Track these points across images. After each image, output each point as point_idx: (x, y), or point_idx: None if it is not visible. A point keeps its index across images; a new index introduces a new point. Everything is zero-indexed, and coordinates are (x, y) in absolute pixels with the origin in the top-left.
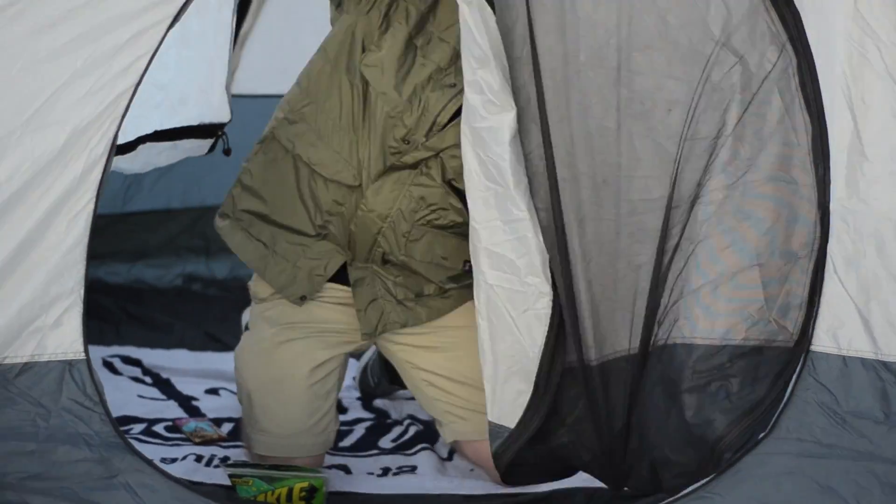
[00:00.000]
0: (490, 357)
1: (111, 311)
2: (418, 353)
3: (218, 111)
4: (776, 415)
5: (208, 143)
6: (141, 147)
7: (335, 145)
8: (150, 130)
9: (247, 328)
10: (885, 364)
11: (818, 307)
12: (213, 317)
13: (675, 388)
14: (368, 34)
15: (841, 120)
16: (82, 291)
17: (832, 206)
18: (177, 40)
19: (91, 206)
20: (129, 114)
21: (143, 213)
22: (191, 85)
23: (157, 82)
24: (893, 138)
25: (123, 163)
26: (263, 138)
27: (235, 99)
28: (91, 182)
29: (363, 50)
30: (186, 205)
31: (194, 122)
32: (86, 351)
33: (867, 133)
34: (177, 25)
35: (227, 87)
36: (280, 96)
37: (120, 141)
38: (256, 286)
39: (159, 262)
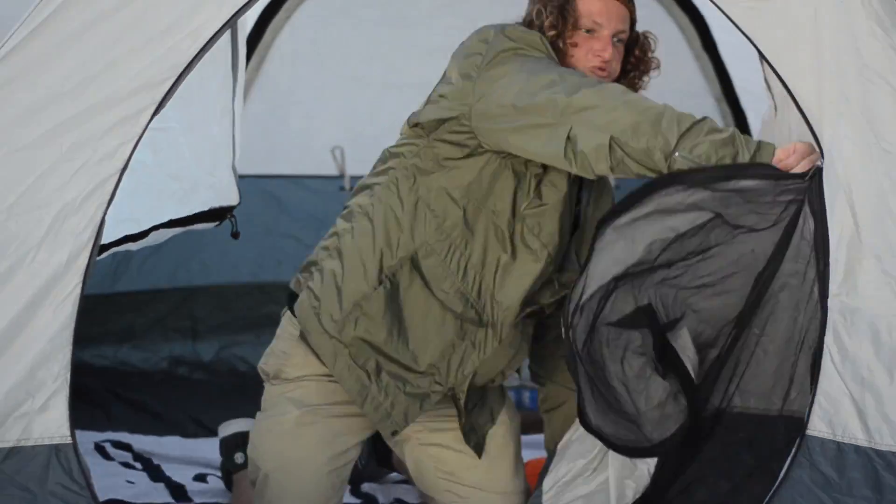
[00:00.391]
0: None
1: (100, 393)
2: (447, 454)
3: (226, 194)
4: (771, 493)
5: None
6: (153, 232)
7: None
8: (164, 219)
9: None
10: (877, 452)
11: (815, 394)
12: (198, 401)
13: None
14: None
15: (842, 217)
16: (68, 376)
17: (830, 302)
18: (185, 128)
19: (77, 292)
20: (145, 205)
21: (131, 294)
22: (200, 170)
23: (171, 172)
24: (890, 237)
25: (132, 245)
26: (389, 269)
27: None
28: (77, 267)
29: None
30: (174, 284)
31: (205, 208)
32: (72, 435)
33: (865, 231)
34: (182, 111)
35: (234, 169)
36: (270, 177)
37: (134, 230)
38: (282, 366)
39: (146, 344)
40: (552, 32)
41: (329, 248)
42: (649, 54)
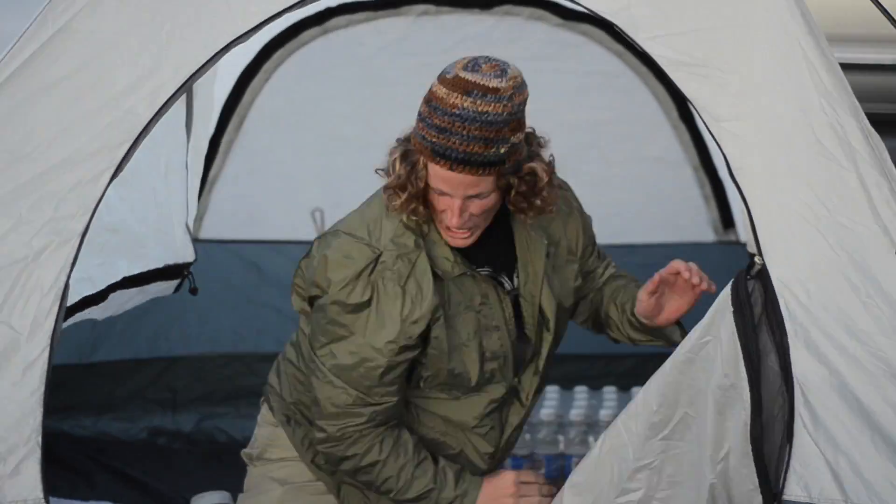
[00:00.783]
0: None
1: (81, 461)
2: None
3: (181, 252)
4: None
5: (175, 283)
6: (112, 295)
7: None
8: (118, 278)
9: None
10: None
11: (789, 459)
12: (178, 472)
13: None
14: None
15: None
16: (40, 439)
17: (795, 371)
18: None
19: (45, 356)
20: (92, 263)
21: (110, 363)
22: (144, 226)
23: (106, 225)
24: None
25: (96, 312)
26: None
27: (204, 244)
28: (44, 331)
29: None
30: (154, 355)
31: (159, 265)
32: (45, 499)
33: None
34: None
35: (188, 228)
36: (250, 242)
37: (89, 291)
38: (265, 448)
39: (125, 414)
40: (407, 192)
41: (293, 338)
42: (539, 185)
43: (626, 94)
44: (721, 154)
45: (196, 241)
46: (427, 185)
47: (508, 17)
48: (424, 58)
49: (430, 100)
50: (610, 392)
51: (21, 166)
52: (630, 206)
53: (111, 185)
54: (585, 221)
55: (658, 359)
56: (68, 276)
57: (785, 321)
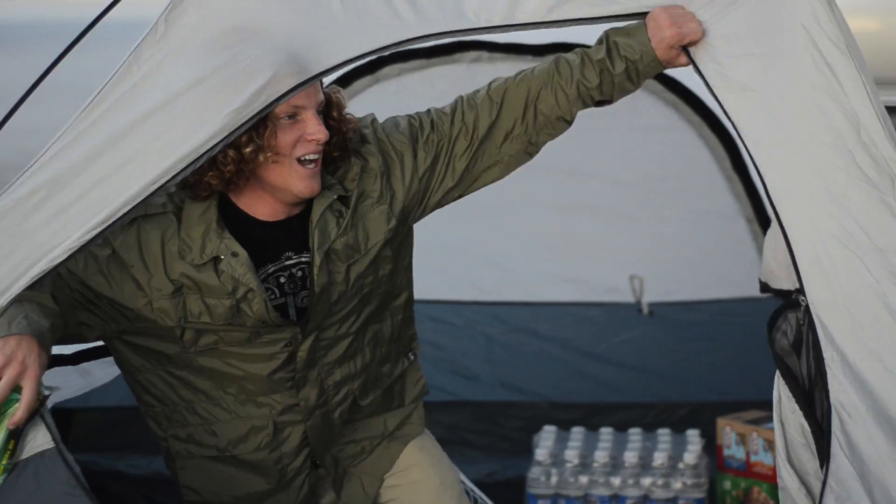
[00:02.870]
0: None
1: (136, 500)
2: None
3: None
4: None
5: None
6: None
7: None
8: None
9: None
10: None
11: (826, 477)
12: None
13: None
14: None
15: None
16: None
17: (832, 397)
18: None
19: None
20: None
21: None
22: None
23: None
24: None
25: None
26: None
27: None
28: None
29: None
30: None
31: None
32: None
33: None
34: None
35: None
36: None
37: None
38: None
39: None
40: (256, 142)
41: None
42: (344, 113)
43: (680, 148)
44: (761, 180)
45: None
46: (273, 128)
47: None
48: None
49: None
50: (664, 434)
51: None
52: (684, 263)
53: None
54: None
55: (715, 407)
56: None
57: (822, 346)
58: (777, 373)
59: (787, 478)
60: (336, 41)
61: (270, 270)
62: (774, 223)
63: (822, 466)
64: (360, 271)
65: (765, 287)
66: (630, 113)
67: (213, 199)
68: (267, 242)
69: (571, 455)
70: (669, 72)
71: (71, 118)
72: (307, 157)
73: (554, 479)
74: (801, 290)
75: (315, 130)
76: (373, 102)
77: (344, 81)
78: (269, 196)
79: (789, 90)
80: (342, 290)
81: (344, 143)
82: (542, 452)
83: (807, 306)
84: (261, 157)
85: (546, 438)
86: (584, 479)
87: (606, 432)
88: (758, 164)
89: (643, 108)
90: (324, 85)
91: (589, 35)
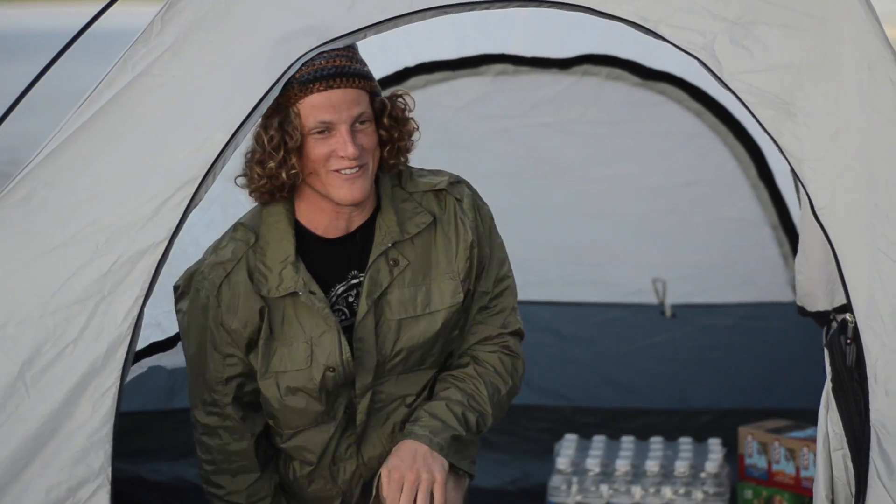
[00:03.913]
0: None
1: None
2: None
3: None
4: None
5: None
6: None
7: None
8: None
9: None
10: None
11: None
12: None
13: None
14: None
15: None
16: (109, 471)
17: (872, 417)
18: (199, 229)
19: (116, 387)
20: (163, 309)
21: (187, 410)
22: None
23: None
24: None
25: (165, 359)
26: None
27: None
28: (116, 361)
29: None
30: None
31: None
32: None
33: None
34: (205, 215)
35: None
36: None
37: (159, 337)
38: None
39: None
40: (278, 157)
41: None
42: (405, 115)
43: (705, 155)
44: (806, 196)
45: None
46: (303, 142)
47: (587, 76)
48: (501, 122)
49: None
50: (686, 443)
51: (98, 202)
52: (708, 268)
53: (193, 236)
54: (481, 237)
55: (737, 414)
56: (142, 307)
57: (866, 363)
58: (822, 403)
59: None
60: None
61: (339, 291)
62: (804, 244)
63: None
64: (413, 333)
65: (802, 311)
66: (656, 120)
67: (287, 216)
68: (333, 262)
69: (593, 464)
70: (693, 80)
71: (65, 117)
72: (342, 171)
73: (575, 488)
74: (846, 308)
75: (342, 147)
76: None
77: None
78: (325, 202)
79: (832, 104)
80: (390, 347)
81: (400, 150)
82: (563, 461)
83: (855, 325)
84: (285, 176)
85: (567, 447)
86: (605, 488)
87: (628, 441)
88: (802, 179)
89: (667, 115)
90: (374, 91)
91: (615, 47)
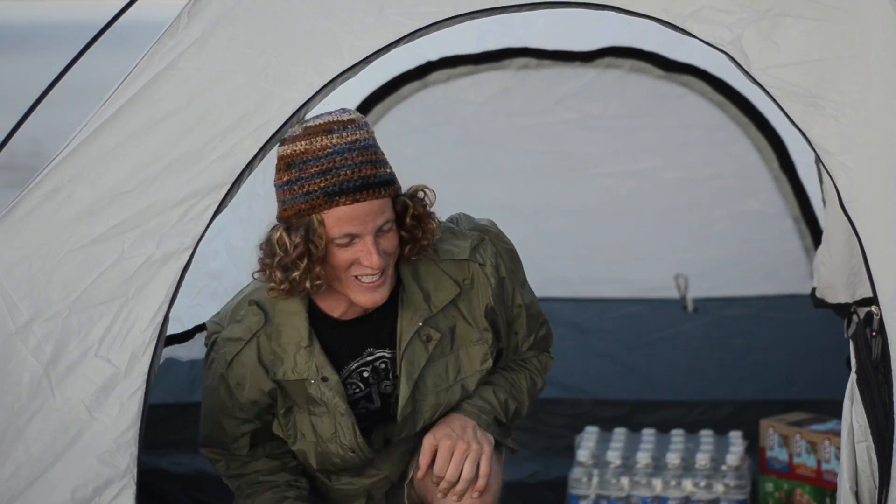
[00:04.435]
0: None
1: (179, 498)
2: None
3: None
4: None
5: None
6: (198, 335)
7: None
8: (205, 319)
9: None
10: None
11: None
12: None
13: None
14: None
15: None
16: (135, 473)
17: None
18: (225, 227)
19: (142, 390)
20: (185, 304)
21: None
22: (243, 273)
23: (210, 271)
24: None
25: (181, 351)
26: None
27: None
28: (142, 366)
29: None
30: None
31: None
32: None
33: None
34: (224, 213)
35: None
36: None
37: (177, 330)
38: None
39: None
40: (302, 265)
41: None
42: (427, 212)
43: (727, 148)
44: (834, 189)
45: None
46: (326, 249)
47: (610, 69)
48: (523, 119)
49: (290, 163)
50: (707, 435)
51: (125, 201)
52: (730, 261)
53: (220, 232)
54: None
55: (758, 406)
56: (167, 313)
57: (891, 355)
58: (847, 394)
59: None
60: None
61: (353, 367)
62: (828, 237)
63: (879, 495)
64: (448, 401)
65: (820, 302)
66: (678, 113)
67: (302, 305)
68: (349, 340)
69: (613, 456)
70: (716, 72)
71: (91, 111)
72: (364, 278)
73: (595, 480)
74: (868, 301)
75: (366, 258)
76: (421, 108)
77: (392, 87)
78: (342, 297)
79: (860, 97)
80: (427, 417)
81: (421, 248)
82: (584, 453)
83: (880, 317)
84: (309, 285)
85: (588, 439)
86: (625, 481)
87: (649, 433)
88: (831, 172)
89: (690, 108)
90: (398, 194)
91: (638, 39)
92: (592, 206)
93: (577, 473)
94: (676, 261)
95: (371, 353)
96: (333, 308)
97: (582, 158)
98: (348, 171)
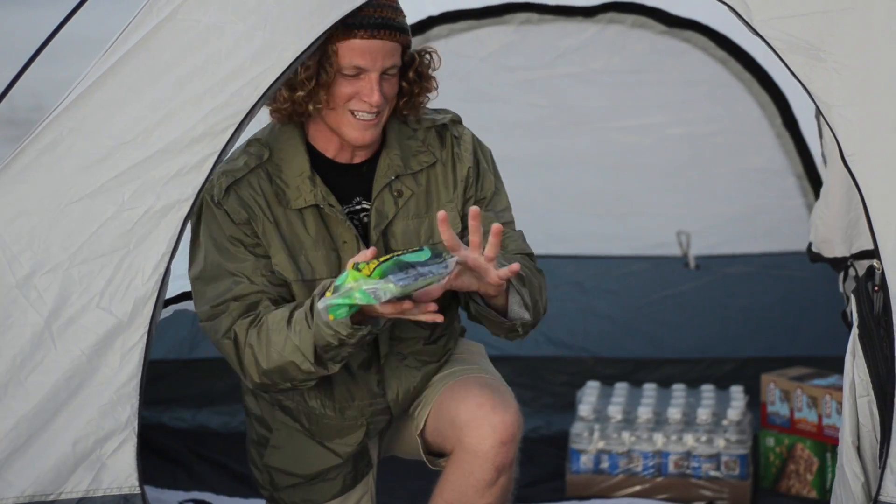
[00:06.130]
0: None
1: (181, 453)
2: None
3: None
4: None
5: None
6: None
7: None
8: None
9: None
10: None
11: (886, 458)
12: None
13: None
14: None
15: None
16: (136, 425)
17: None
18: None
19: (144, 342)
20: None
21: (209, 360)
22: None
23: None
24: None
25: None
26: None
27: None
28: (143, 317)
29: None
30: None
31: None
32: (141, 486)
33: None
34: None
35: None
36: None
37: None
38: None
39: (225, 408)
40: (308, 87)
41: None
42: (429, 72)
43: (730, 104)
44: (835, 142)
45: None
46: (334, 77)
47: (612, 24)
48: (525, 73)
49: None
50: (708, 390)
51: (124, 153)
52: (732, 218)
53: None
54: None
55: (760, 362)
56: (168, 263)
57: (893, 309)
58: (848, 349)
59: (846, 465)
60: None
61: (346, 212)
62: (826, 190)
63: (881, 449)
64: None
65: (816, 257)
66: (680, 69)
67: (301, 136)
68: (342, 183)
69: (615, 411)
70: (719, 27)
71: (89, 63)
72: (360, 114)
73: (597, 435)
74: (864, 254)
75: (368, 94)
76: None
77: None
78: (333, 135)
79: (862, 49)
80: None
81: (415, 105)
82: (585, 408)
83: (882, 272)
84: (311, 107)
85: (589, 394)
86: (627, 435)
87: (650, 388)
88: (832, 125)
89: (692, 63)
90: (408, 46)
91: None
92: (594, 160)
93: (578, 428)
94: (678, 217)
95: (359, 203)
96: (326, 148)
97: (583, 113)
98: (370, 10)
